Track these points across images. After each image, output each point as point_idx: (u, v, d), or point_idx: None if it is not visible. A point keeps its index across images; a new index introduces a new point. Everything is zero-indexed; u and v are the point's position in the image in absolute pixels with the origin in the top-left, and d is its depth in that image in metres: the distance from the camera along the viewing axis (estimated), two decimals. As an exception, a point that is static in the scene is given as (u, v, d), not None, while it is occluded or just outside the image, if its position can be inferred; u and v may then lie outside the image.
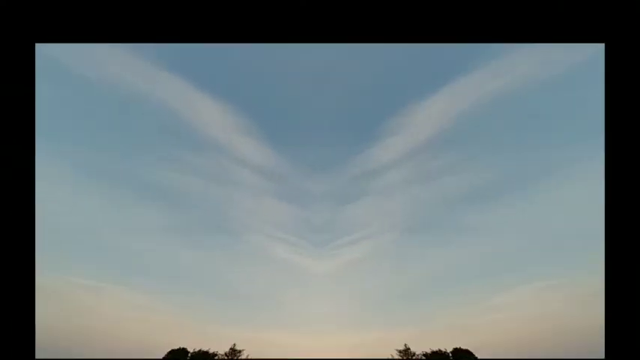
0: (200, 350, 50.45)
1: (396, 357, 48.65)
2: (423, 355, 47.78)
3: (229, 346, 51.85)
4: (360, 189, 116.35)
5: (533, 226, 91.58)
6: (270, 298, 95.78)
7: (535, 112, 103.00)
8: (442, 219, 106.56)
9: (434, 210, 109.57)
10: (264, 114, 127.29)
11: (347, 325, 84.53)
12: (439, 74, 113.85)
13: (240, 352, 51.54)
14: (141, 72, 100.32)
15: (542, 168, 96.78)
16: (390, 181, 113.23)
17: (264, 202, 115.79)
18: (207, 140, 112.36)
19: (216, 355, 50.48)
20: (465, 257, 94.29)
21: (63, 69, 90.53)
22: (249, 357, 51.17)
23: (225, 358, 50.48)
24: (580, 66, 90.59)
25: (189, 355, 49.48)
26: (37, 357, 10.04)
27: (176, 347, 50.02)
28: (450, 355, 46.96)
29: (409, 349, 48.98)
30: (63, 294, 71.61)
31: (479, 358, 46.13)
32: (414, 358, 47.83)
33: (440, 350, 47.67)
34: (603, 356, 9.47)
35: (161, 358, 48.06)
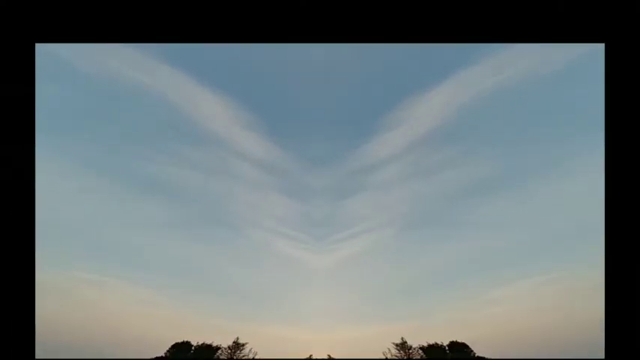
0: (203, 344, 51.23)
1: (393, 350, 49.33)
2: (420, 348, 48.44)
3: (231, 340, 52.70)
4: (361, 183, 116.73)
5: (533, 220, 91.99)
6: (270, 292, 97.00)
7: (535, 107, 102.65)
8: (442, 213, 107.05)
9: (433, 204, 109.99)
10: (265, 107, 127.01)
11: (346, 319, 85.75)
12: (439, 68, 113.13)
13: (243, 345, 52.28)
14: (141, 65, 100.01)
15: (542, 162, 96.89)
16: (390, 175, 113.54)
17: (264, 195, 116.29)
18: (207, 134, 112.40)
19: (219, 348, 51.20)
20: (464, 251, 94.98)
21: (63, 63, 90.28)
22: (252, 350, 51.85)
23: (229, 351, 51.20)
24: (581, 60, 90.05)
25: (193, 348, 50.21)
26: (38, 353, 10.23)
27: (180, 341, 50.82)
28: (447, 348, 47.67)
29: (406, 342, 49.68)
30: (64, 289, 72.69)
31: (474, 351, 46.82)
32: (410, 351, 48.46)
33: (436, 344, 48.40)
34: (603, 349, 9.57)
35: (165, 351, 48.78)
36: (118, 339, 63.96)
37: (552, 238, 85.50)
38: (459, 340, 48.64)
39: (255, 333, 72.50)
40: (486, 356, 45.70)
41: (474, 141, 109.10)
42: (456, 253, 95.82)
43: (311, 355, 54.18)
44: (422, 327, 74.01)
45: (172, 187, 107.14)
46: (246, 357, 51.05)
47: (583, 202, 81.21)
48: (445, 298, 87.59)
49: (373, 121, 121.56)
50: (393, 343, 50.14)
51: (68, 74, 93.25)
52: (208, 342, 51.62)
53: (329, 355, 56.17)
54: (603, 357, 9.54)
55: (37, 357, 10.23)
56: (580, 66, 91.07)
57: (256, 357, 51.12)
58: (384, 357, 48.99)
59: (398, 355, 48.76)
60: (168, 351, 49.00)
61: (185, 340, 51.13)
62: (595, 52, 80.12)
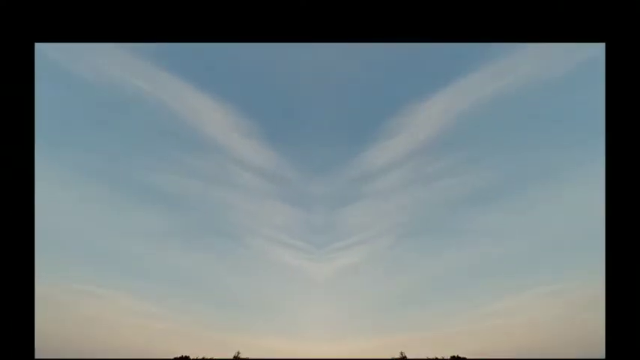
0: (204, 358, 51.08)
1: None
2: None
3: (230, 353, 52.59)
4: (360, 190, 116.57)
5: (534, 228, 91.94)
6: (269, 302, 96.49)
7: (536, 113, 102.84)
8: (442, 221, 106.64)
9: (433, 212, 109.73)
10: (264, 115, 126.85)
11: (346, 330, 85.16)
12: (439, 75, 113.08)
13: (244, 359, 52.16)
14: (140, 73, 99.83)
15: (542, 169, 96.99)
16: (390, 183, 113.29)
17: (263, 203, 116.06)
18: (207, 141, 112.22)
19: (219, 362, 51.06)
20: (464, 259, 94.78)
21: (62, 70, 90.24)
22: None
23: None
24: (580, 67, 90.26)
25: (192, 363, 50.03)
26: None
27: (179, 355, 50.68)
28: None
29: (405, 357, 49.57)
30: (62, 299, 72.02)
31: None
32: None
33: (437, 358, 48.35)
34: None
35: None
36: (118, 353, 63.51)
37: (553, 247, 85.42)
38: (460, 355, 48.69)
39: (254, 345, 72.06)
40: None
41: (474, 148, 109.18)
42: (456, 261, 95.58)
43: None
44: (423, 339, 73.66)
45: (172, 195, 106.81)
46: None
47: (585, 210, 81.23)
48: (445, 309, 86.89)
49: (373, 129, 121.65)
50: (393, 358, 50.11)
51: (66, 81, 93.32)
52: (208, 356, 51.58)
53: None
54: None
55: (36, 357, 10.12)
56: (580, 72, 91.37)
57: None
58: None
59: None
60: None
61: (184, 355, 51.05)
62: (595, 58, 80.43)
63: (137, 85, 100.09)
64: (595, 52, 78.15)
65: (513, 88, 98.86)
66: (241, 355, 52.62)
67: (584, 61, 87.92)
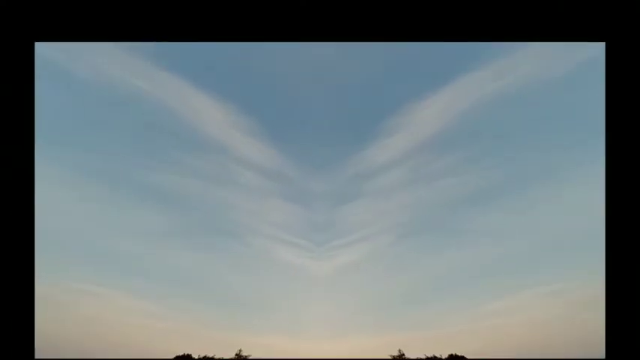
0: (205, 357, 51.19)
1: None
2: (418, 361, 48.51)
3: (231, 351, 52.75)
4: (361, 188, 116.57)
5: (534, 228, 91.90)
6: (270, 300, 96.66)
7: (536, 113, 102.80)
8: (442, 220, 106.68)
9: (434, 211, 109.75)
10: (264, 113, 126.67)
11: (346, 329, 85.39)
12: (439, 74, 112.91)
13: (245, 358, 52.23)
14: (140, 72, 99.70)
15: (543, 169, 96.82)
16: (390, 181, 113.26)
17: (264, 202, 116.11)
18: (207, 140, 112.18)
19: (221, 360, 51.20)
20: (465, 259, 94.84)
21: (61, 70, 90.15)
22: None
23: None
24: (580, 67, 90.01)
25: (195, 361, 50.20)
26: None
27: (181, 354, 50.79)
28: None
29: (403, 355, 49.67)
30: (62, 299, 72.17)
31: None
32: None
33: (435, 356, 48.44)
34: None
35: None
36: (118, 353, 63.71)
37: (553, 247, 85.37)
38: (460, 354, 48.77)
39: (255, 343, 72.35)
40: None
41: (474, 148, 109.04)
42: (456, 260, 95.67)
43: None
44: (423, 338, 73.86)
45: (172, 195, 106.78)
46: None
47: (586, 210, 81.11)
48: (446, 308, 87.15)
49: (373, 127, 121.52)
50: (391, 356, 50.25)
51: (66, 81, 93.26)
52: (210, 354, 51.69)
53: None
54: None
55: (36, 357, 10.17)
56: (580, 72, 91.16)
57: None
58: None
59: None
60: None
61: (186, 353, 51.17)
62: (595, 58, 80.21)
63: (137, 85, 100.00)
64: (595, 51, 77.95)
65: (513, 87, 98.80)
66: (242, 354, 52.73)
67: (584, 61, 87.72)
